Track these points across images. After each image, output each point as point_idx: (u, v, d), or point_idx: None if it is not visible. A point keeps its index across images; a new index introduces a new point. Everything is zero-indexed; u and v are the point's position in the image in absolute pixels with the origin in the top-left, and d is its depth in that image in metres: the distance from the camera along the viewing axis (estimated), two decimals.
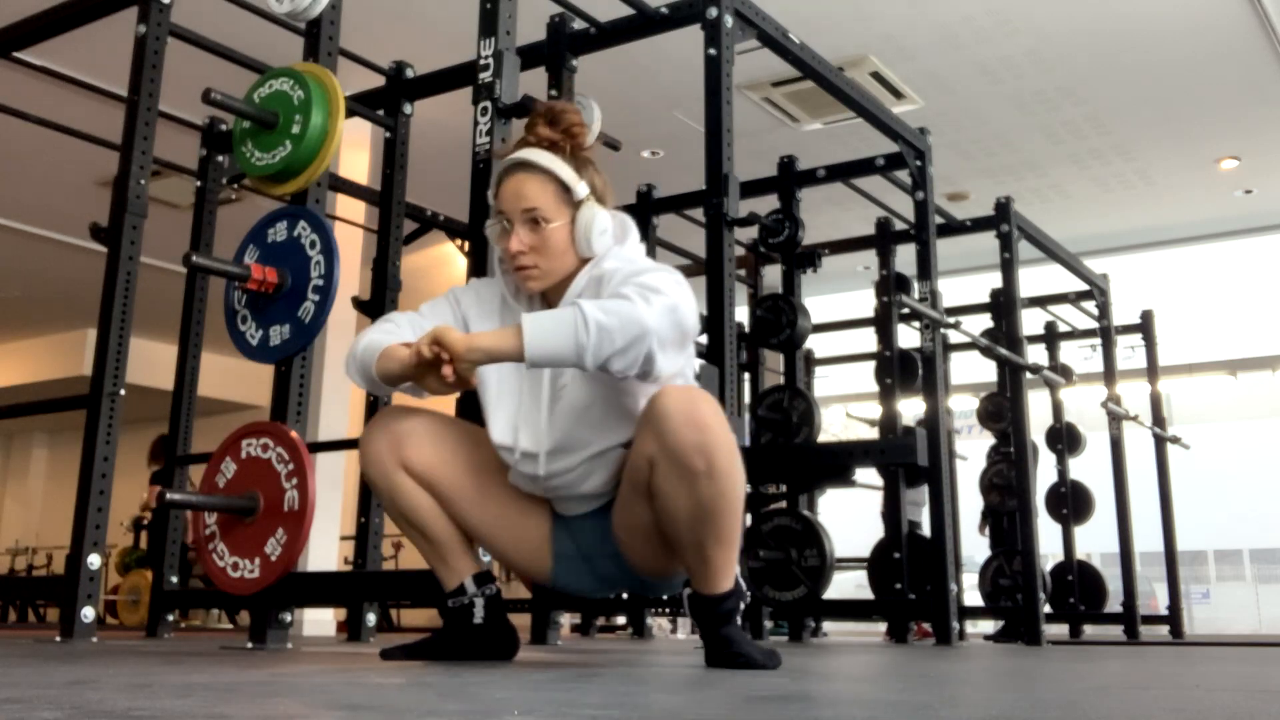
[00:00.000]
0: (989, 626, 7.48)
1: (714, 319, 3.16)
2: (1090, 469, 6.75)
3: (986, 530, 6.77)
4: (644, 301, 1.73)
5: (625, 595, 2.14)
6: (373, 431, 1.99)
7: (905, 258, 5.09)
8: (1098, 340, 6.56)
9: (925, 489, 5.48)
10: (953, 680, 1.72)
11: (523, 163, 1.93)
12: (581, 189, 1.92)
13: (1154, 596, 8.82)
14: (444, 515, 2.00)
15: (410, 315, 2.03)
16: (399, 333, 1.97)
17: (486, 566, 2.08)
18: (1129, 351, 6.82)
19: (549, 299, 1.97)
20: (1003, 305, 5.27)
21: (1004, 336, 5.20)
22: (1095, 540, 7.51)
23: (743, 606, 1.92)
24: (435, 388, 1.82)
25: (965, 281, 7.45)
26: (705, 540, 1.82)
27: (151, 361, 8.41)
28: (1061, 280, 6.39)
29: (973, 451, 7.00)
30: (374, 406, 3.98)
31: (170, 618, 3.85)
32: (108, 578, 8.78)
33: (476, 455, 2.00)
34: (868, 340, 6.02)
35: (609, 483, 1.93)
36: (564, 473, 1.92)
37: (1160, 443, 6.63)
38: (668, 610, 5.54)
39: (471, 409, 2.55)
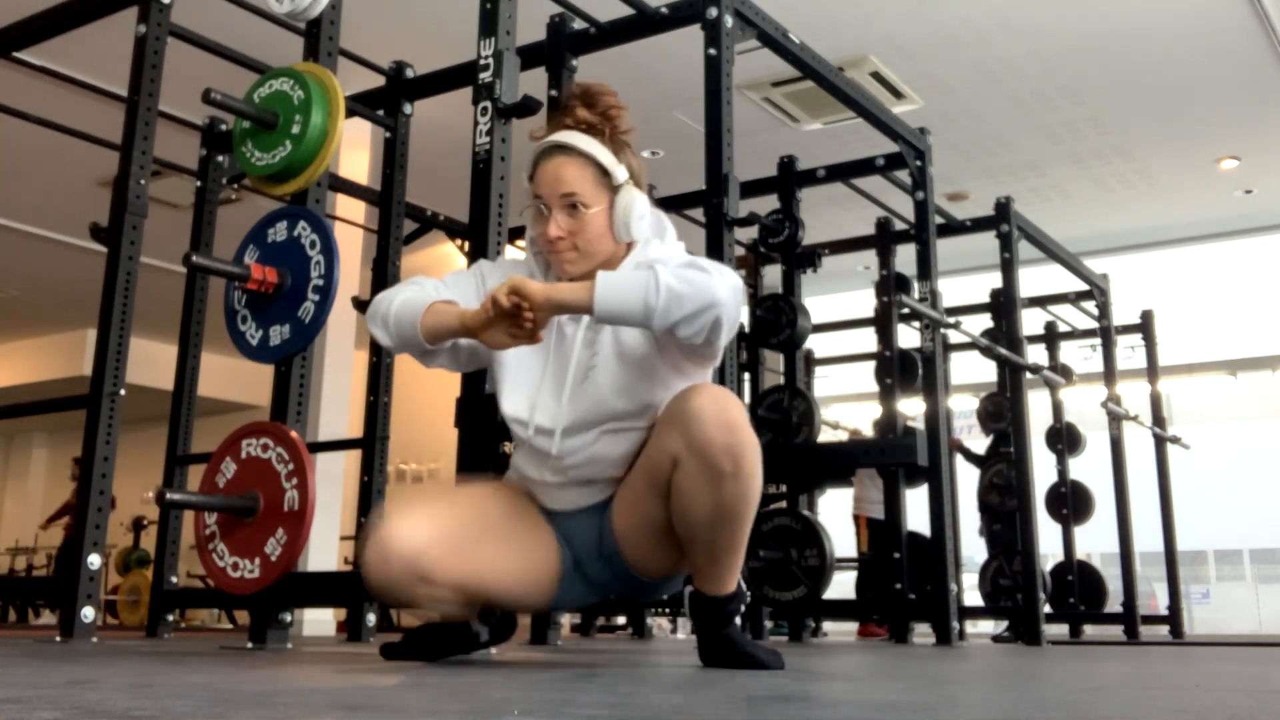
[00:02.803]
0: (988, 626, 7.48)
1: None
2: (1090, 469, 6.75)
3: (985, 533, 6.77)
4: (719, 274, 1.74)
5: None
6: (383, 552, 1.78)
7: (905, 258, 5.10)
8: (1098, 340, 6.56)
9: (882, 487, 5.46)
10: (953, 680, 1.72)
11: (561, 145, 1.89)
12: (621, 173, 1.89)
13: (1154, 596, 8.82)
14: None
15: (434, 281, 1.98)
16: (428, 293, 1.92)
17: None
18: (1129, 351, 6.82)
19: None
20: (1003, 305, 5.27)
21: (1004, 336, 5.20)
22: (1095, 540, 7.52)
23: (743, 609, 1.92)
24: (501, 341, 1.78)
25: (965, 281, 7.45)
26: (720, 541, 1.82)
27: (151, 361, 8.40)
28: (1061, 280, 6.39)
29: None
30: (374, 408, 3.98)
31: (170, 618, 3.85)
32: (108, 578, 8.79)
33: (490, 520, 1.92)
34: (868, 340, 6.03)
35: (618, 465, 1.91)
36: (576, 451, 1.88)
37: (1160, 443, 6.63)
38: (668, 610, 5.53)
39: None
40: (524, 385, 1.92)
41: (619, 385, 1.86)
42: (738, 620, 1.91)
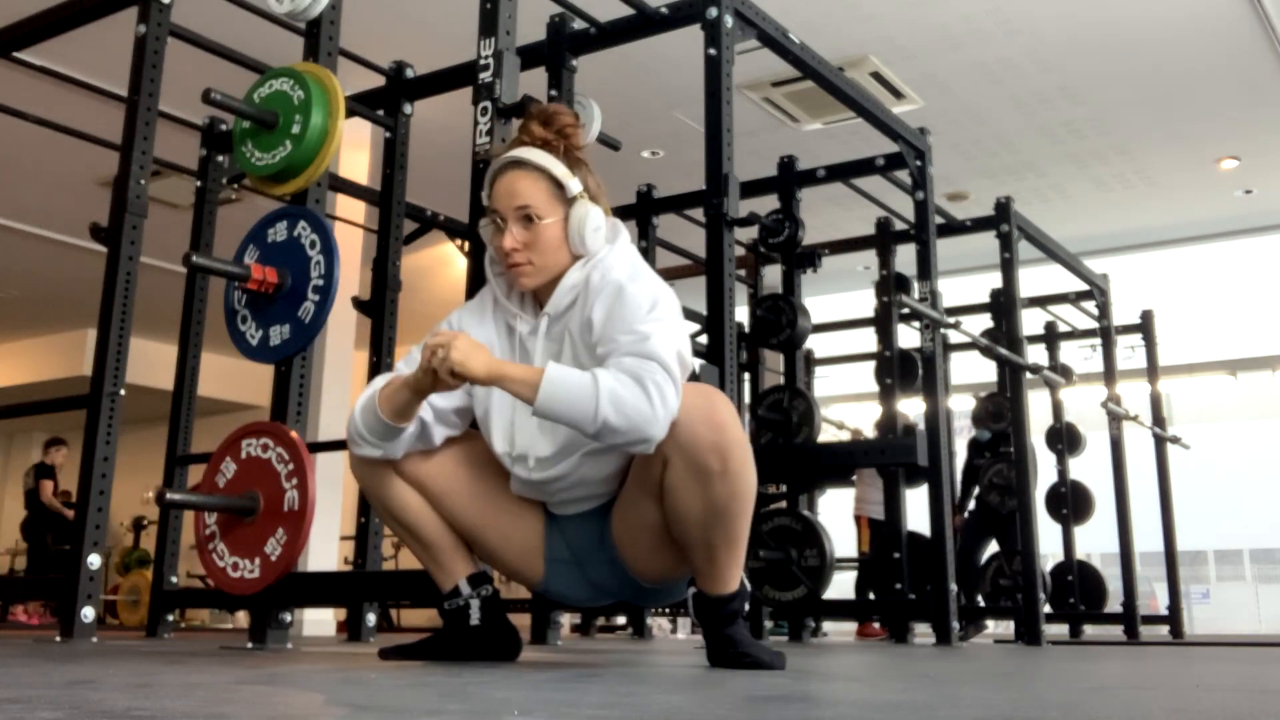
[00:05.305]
0: (990, 626, 7.48)
1: (714, 319, 3.16)
2: (1090, 469, 6.74)
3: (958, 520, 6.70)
4: (660, 403, 1.73)
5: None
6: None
7: (905, 258, 5.09)
8: (1098, 340, 6.56)
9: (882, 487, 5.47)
10: (953, 680, 1.72)
11: (516, 161, 1.93)
12: (575, 185, 1.92)
13: (1154, 596, 8.82)
14: (435, 516, 1.99)
15: (402, 365, 1.98)
16: (378, 385, 1.93)
17: (482, 568, 2.07)
18: (1129, 351, 6.81)
19: (539, 296, 1.97)
20: (1003, 305, 5.27)
21: (1004, 336, 5.20)
22: (1095, 540, 7.52)
23: (746, 607, 1.92)
24: (452, 385, 1.81)
25: (965, 281, 7.45)
26: (715, 540, 1.83)
27: (151, 361, 8.41)
28: (1061, 280, 6.38)
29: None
30: None
31: (170, 618, 3.85)
32: (108, 577, 8.78)
33: (466, 453, 2.00)
34: (868, 340, 6.02)
35: (608, 481, 1.93)
36: (561, 477, 1.91)
37: (1160, 443, 6.63)
38: (668, 610, 5.53)
39: None
40: (503, 416, 1.94)
41: None
42: (741, 620, 1.91)
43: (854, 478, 6.68)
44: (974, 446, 6.73)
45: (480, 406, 1.97)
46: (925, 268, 4.40)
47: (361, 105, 3.95)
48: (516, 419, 1.92)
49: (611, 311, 1.84)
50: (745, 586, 1.92)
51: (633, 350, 1.77)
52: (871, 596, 6.13)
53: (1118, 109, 6.75)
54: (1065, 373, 6.73)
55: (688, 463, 1.78)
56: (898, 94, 6.49)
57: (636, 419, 1.72)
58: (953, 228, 5.53)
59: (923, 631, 4.70)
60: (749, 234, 5.42)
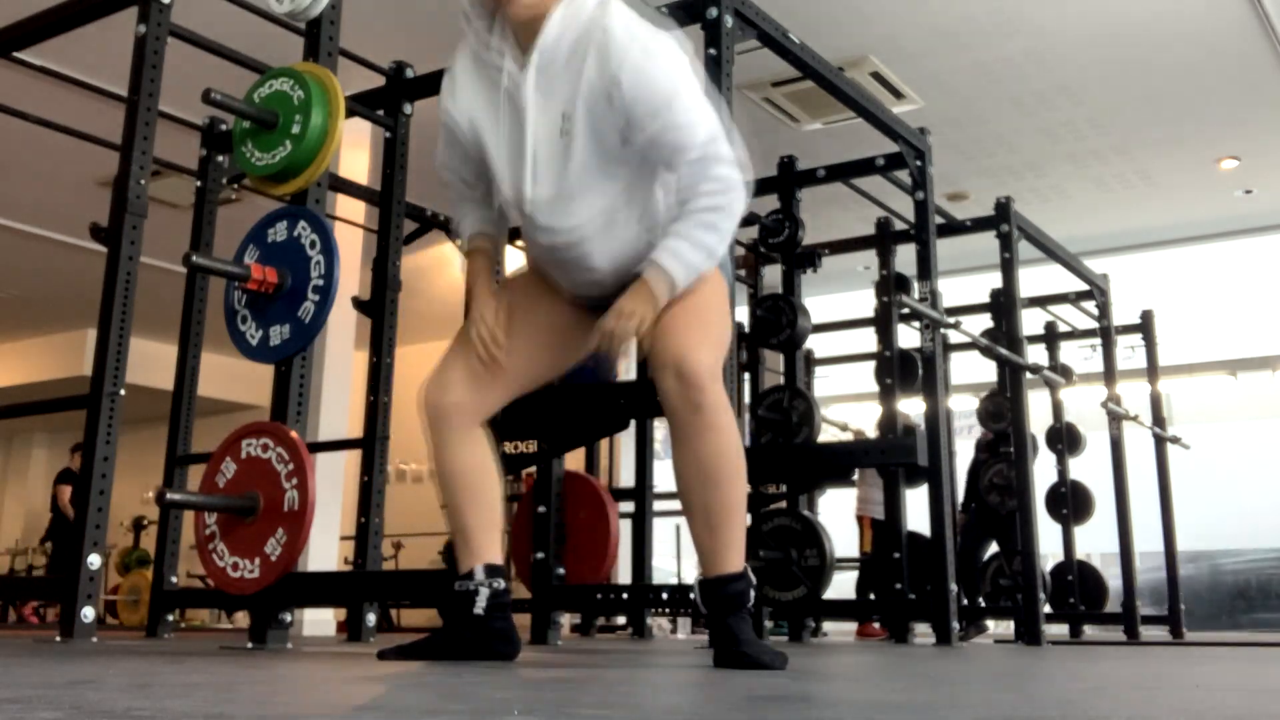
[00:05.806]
0: (990, 626, 7.48)
1: None
2: (1090, 469, 6.74)
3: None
4: (729, 219, 1.88)
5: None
6: (439, 388, 2.07)
7: (905, 258, 5.09)
8: (1098, 340, 6.56)
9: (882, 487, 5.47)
10: (953, 680, 1.72)
11: None
12: None
13: None
14: (495, 488, 2.03)
15: (446, 163, 2.09)
16: (471, 209, 2.10)
17: (501, 561, 2.07)
18: (1129, 351, 6.81)
19: (520, 40, 1.92)
20: (1003, 305, 5.28)
21: (1004, 336, 5.20)
22: (1095, 540, 7.51)
23: (751, 595, 1.92)
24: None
25: (965, 281, 7.44)
26: (711, 505, 1.87)
27: (151, 361, 8.40)
28: (1061, 280, 6.38)
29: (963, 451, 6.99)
30: (374, 408, 3.97)
31: (170, 618, 3.85)
32: (108, 577, 8.79)
33: (530, 329, 2.06)
34: (868, 340, 6.02)
35: (625, 261, 1.96)
36: (573, 229, 1.94)
37: (1160, 443, 6.63)
38: (668, 610, 5.53)
39: None
40: (511, 168, 1.96)
41: (601, 158, 1.90)
42: (746, 612, 1.91)
43: (855, 478, 6.68)
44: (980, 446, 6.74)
45: (485, 148, 2.00)
46: (925, 268, 4.40)
47: (361, 105, 3.95)
48: (537, 167, 1.93)
49: (636, 95, 1.83)
50: (749, 575, 1.93)
51: (696, 178, 1.86)
52: (872, 597, 6.13)
53: (1118, 109, 6.75)
54: (1065, 373, 6.73)
55: (671, 416, 1.84)
56: (898, 94, 6.49)
57: (714, 244, 1.88)
58: (953, 228, 5.53)
59: (923, 631, 4.70)
60: (749, 234, 5.41)
